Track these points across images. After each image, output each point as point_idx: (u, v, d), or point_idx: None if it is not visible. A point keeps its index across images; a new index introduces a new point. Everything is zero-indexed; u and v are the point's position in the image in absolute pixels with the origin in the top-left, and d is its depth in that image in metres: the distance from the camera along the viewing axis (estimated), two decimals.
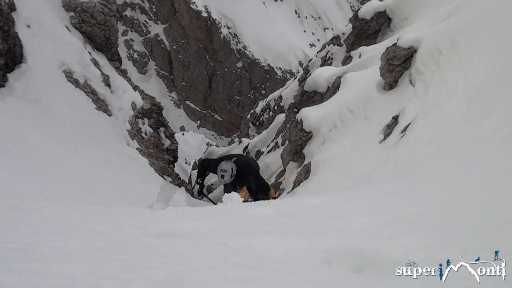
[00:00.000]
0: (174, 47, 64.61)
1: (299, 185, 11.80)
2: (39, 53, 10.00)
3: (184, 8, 62.45)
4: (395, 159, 6.82)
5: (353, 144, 10.03)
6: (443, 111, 6.61)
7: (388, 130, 8.68)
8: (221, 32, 63.56)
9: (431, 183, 3.20)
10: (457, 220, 1.88)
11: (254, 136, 25.37)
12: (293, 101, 19.42)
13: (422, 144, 6.25)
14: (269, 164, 17.25)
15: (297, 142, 12.90)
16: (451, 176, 3.34)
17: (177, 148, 16.56)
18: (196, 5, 62.24)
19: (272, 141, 20.39)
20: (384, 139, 8.59)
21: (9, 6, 9.41)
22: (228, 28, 64.64)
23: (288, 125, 17.08)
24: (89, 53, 12.56)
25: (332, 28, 74.91)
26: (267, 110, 26.54)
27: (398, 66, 9.43)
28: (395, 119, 8.72)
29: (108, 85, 12.63)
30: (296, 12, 78.51)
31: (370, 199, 2.87)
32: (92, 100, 11.38)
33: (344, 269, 1.42)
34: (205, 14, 62.72)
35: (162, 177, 12.54)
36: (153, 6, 64.16)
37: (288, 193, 12.04)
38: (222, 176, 6.57)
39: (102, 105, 11.76)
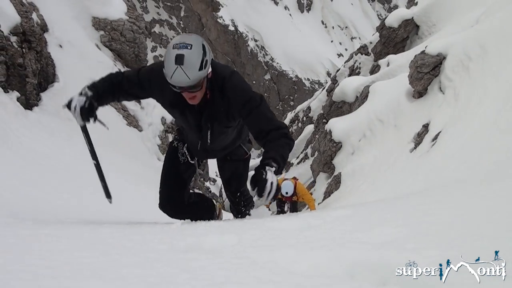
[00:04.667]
0: None
1: (329, 196, 11.73)
2: (71, 71, 10.28)
3: (212, 23, 63.21)
4: (426, 168, 6.72)
5: (383, 154, 9.93)
6: (474, 118, 6.49)
7: (419, 138, 8.59)
8: (248, 45, 64.02)
9: (460, 193, 3.15)
10: (485, 231, 1.84)
11: None
12: (322, 111, 19.40)
13: (452, 152, 6.14)
14: (300, 175, 17.20)
15: (326, 152, 12.86)
16: (482, 185, 3.27)
17: (207, 161, 16.66)
18: (223, 19, 62.92)
19: (301, 152, 20.37)
20: (415, 147, 8.49)
21: (42, 28, 9.72)
22: (255, 40, 65.06)
23: (317, 136, 17.04)
24: (119, 70, 12.82)
25: (359, 38, 74.56)
26: (296, 121, 26.54)
27: (427, 74, 9.33)
28: (426, 127, 8.62)
29: (138, 101, 12.86)
30: (322, 22, 78.51)
31: (397, 210, 2.84)
32: (123, 116, 11.61)
33: (368, 283, 1.41)
34: (232, 28, 63.32)
35: (193, 190, 12.65)
36: (181, 22, 65.08)
37: (319, 204, 11.97)
38: (179, 60, 2.98)
39: (132, 121, 11.99)
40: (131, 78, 3.54)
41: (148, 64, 3.46)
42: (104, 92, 3.48)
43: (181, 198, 4.01)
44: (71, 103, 3.30)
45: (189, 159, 3.99)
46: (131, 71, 3.66)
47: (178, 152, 4.03)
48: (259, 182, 2.90)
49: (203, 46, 3.09)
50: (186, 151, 3.99)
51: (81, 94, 3.35)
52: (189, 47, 3.00)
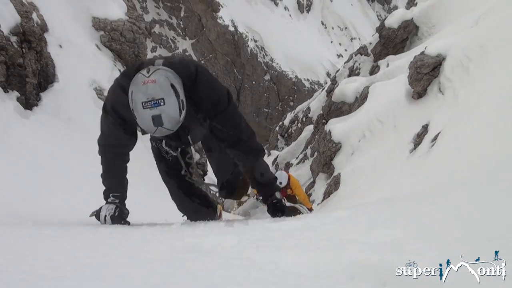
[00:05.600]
0: (202, 61, 65.28)
1: (329, 196, 11.73)
2: (71, 71, 10.27)
3: (212, 23, 63.15)
4: (426, 168, 6.72)
5: (382, 154, 9.93)
6: (474, 119, 6.48)
7: (418, 139, 8.58)
8: (248, 45, 63.95)
9: (460, 194, 3.15)
10: (485, 231, 1.84)
11: (283, 148, 25.38)
12: (321, 112, 19.40)
13: (452, 153, 6.14)
14: (299, 176, 17.19)
15: (326, 153, 12.86)
16: (482, 186, 3.27)
17: (206, 162, 16.64)
18: (223, 20, 62.87)
19: (301, 153, 20.36)
20: (414, 148, 8.49)
21: (41, 28, 9.71)
22: (255, 41, 64.99)
23: (316, 137, 17.03)
24: (119, 70, 12.82)
25: (359, 38, 74.50)
26: (296, 122, 26.54)
27: (426, 75, 9.33)
28: (425, 128, 8.61)
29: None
30: (322, 23, 78.51)
31: (397, 211, 2.84)
32: None
33: (368, 283, 1.41)
34: (232, 29, 63.27)
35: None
36: (181, 22, 65.01)
37: (318, 204, 11.97)
38: (157, 121, 2.79)
39: None
40: (108, 124, 3.35)
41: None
42: (122, 179, 3.56)
43: (194, 195, 4.12)
44: (99, 214, 3.32)
45: (172, 152, 3.90)
46: (101, 120, 3.46)
47: (161, 153, 4.00)
48: (289, 214, 3.30)
49: (172, 86, 2.80)
50: (166, 148, 3.92)
51: (107, 202, 3.38)
52: (161, 103, 2.74)
